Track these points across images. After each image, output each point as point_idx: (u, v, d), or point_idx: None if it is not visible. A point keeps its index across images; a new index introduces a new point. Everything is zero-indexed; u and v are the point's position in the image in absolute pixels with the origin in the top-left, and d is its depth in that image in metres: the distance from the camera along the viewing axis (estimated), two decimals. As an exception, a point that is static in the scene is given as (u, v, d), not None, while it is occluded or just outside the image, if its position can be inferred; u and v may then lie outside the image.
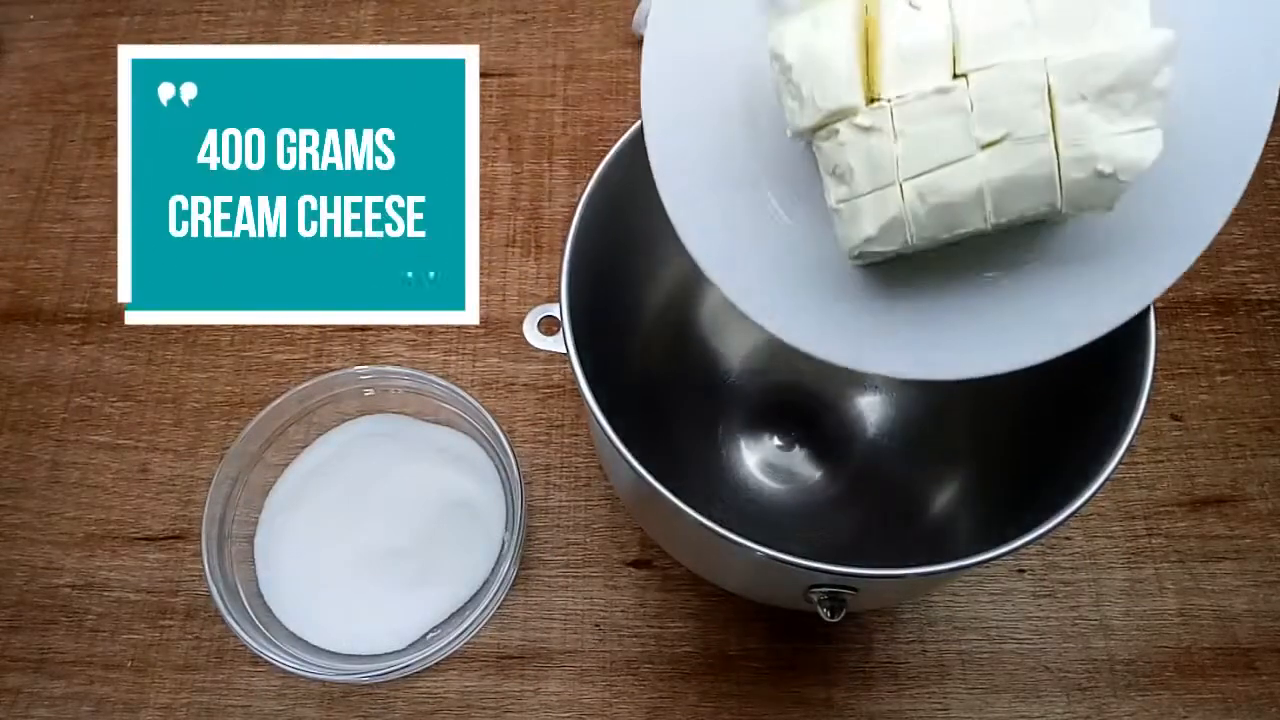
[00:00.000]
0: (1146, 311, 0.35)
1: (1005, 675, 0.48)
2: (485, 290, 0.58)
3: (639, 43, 0.65)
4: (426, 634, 0.48)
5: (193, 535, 0.51)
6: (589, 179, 0.39)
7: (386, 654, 0.47)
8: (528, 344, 0.56)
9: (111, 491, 0.53)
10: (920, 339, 0.32)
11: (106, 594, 0.51)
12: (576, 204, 0.39)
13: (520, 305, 0.57)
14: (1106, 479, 0.33)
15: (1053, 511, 0.33)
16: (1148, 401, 0.35)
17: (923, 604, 0.50)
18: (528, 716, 0.47)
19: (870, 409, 0.52)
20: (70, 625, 0.50)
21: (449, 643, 0.47)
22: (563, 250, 0.38)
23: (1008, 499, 0.42)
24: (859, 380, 0.52)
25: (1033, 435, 0.43)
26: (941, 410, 0.50)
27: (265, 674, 0.49)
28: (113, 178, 0.61)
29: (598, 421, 0.35)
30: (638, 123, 0.35)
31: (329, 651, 0.48)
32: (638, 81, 0.70)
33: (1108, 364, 0.37)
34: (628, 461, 0.34)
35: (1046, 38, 0.27)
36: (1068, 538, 0.51)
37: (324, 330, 0.57)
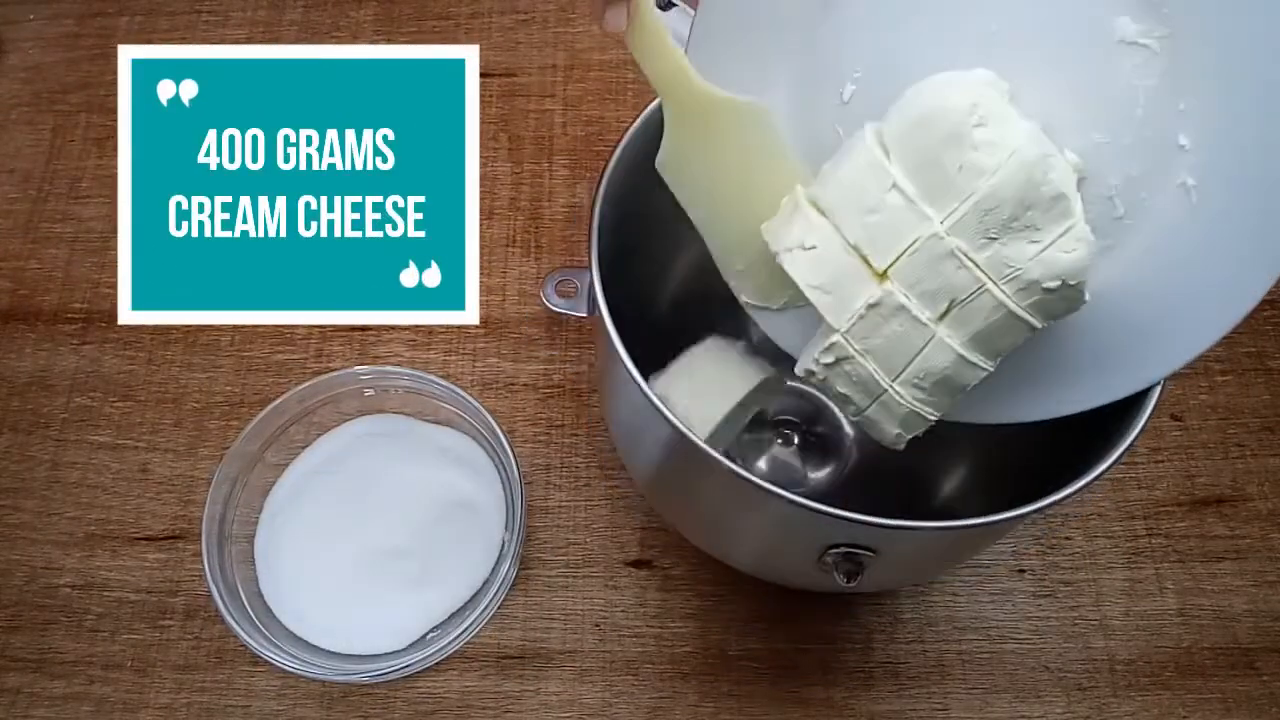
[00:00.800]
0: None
1: (1005, 675, 0.48)
2: (485, 290, 0.58)
3: (639, 43, 0.65)
4: (426, 634, 0.48)
5: (193, 535, 0.51)
6: (600, 180, 0.39)
7: (386, 654, 0.47)
8: (528, 343, 0.57)
9: (111, 491, 0.53)
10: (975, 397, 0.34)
11: (106, 594, 0.51)
12: (595, 198, 0.39)
13: (520, 305, 0.57)
14: (1116, 460, 0.33)
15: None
16: (1156, 402, 0.35)
17: (923, 604, 0.50)
18: (528, 716, 0.47)
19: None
20: (70, 625, 0.50)
21: (449, 643, 0.47)
22: (589, 220, 0.38)
23: (1011, 493, 0.42)
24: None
25: (1037, 431, 0.43)
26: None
27: (265, 674, 0.48)
28: (113, 178, 0.61)
29: (628, 371, 0.35)
30: (637, 121, 0.36)
31: (329, 651, 0.48)
32: (638, 81, 0.70)
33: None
34: (658, 409, 0.34)
35: (929, 206, 0.28)
36: (1068, 538, 0.51)
37: (324, 330, 0.57)
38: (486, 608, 0.48)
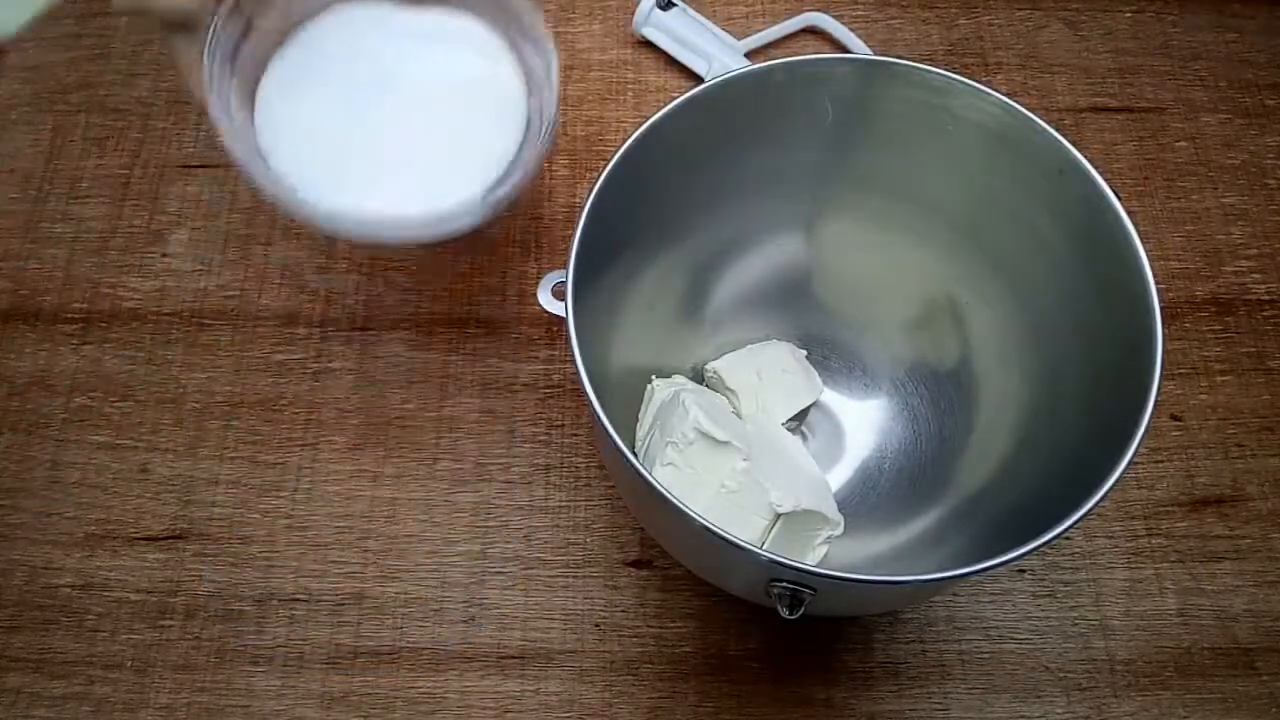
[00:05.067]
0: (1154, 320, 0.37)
1: (1005, 675, 0.48)
2: (485, 290, 0.58)
3: (639, 43, 0.65)
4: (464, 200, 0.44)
5: (193, 535, 0.52)
6: (585, 199, 0.39)
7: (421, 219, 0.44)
8: (528, 343, 0.57)
9: (111, 491, 0.53)
10: None
11: (106, 594, 0.51)
12: (582, 208, 0.39)
13: (520, 305, 0.57)
14: (1101, 499, 0.34)
15: (1051, 524, 0.34)
16: (1153, 411, 0.35)
17: (923, 604, 0.50)
18: (528, 716, 0.47)
19: (867, 417, 0.52)
20: (70, 625, 0.50)
21: (501, 196, 0.44)
22: (571, 243, 0.38)
23: (1007, 510, 0.42)
24: (856, 388, 0.53)
25: (1033, 446, 0.44)
26: (943, 420, 0.50)
27: (265, 674, 0.49)
28: (112, 178, 0.61)
29: (594, 409, 0.35)
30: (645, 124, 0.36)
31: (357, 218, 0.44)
32: (638, 81, 0.70)
33: (1113, 375, 0.38)
34: (619, 450, 0.34)
35: None
36: (1068, 538, 0.51)
37: (324, 332, 0.57)
38: (523, 167, 0.44)
